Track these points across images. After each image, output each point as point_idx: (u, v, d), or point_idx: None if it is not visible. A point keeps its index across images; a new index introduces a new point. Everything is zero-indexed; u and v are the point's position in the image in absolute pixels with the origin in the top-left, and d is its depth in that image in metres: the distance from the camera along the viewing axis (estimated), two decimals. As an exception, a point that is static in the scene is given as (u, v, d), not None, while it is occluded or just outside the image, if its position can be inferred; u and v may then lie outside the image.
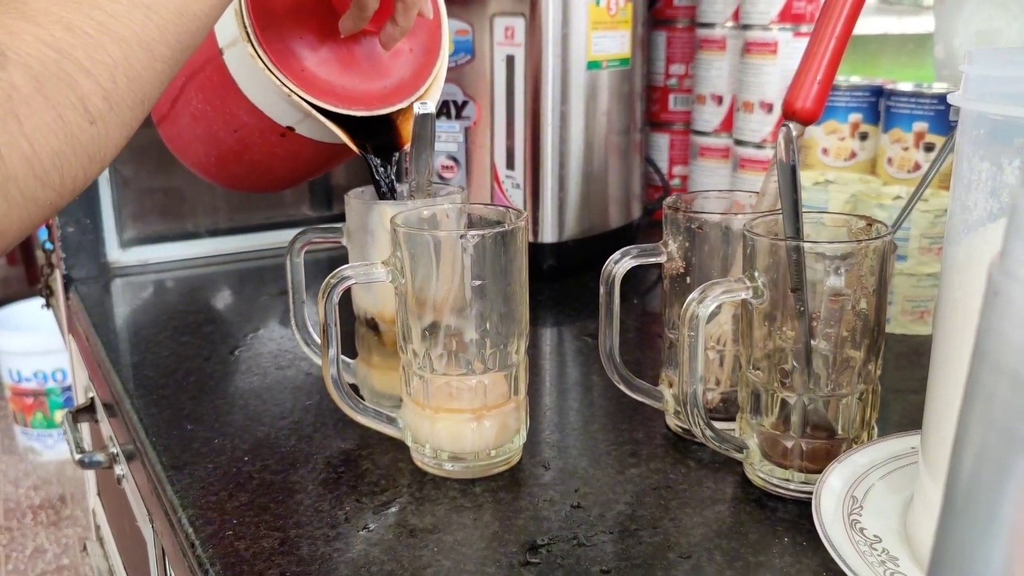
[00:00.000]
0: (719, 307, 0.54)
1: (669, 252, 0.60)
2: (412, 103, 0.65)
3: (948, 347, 0.42)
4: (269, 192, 1.04)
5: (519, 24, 0.88)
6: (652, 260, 0.59)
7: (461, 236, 0.53)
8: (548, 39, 0.88)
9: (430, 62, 0.67)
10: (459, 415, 0.55)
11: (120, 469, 0.76)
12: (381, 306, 0.61)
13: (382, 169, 0.63)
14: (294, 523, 0.52)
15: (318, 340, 0.66)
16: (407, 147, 0.63)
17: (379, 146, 0.64)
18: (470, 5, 0.90)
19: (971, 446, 0.25)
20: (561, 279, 0.94)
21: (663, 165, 1.15)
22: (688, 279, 0.59)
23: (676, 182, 1.15)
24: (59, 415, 2.61)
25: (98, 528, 1.03)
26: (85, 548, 1.03)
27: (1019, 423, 0.23)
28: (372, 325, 0.63)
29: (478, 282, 0.54)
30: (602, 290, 0.59)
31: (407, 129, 0.64)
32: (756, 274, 0.52)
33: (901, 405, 0.68)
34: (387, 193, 0.64)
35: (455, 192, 0.63)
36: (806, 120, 0.59)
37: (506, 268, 0.54)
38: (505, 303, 0.55)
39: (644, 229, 1.07)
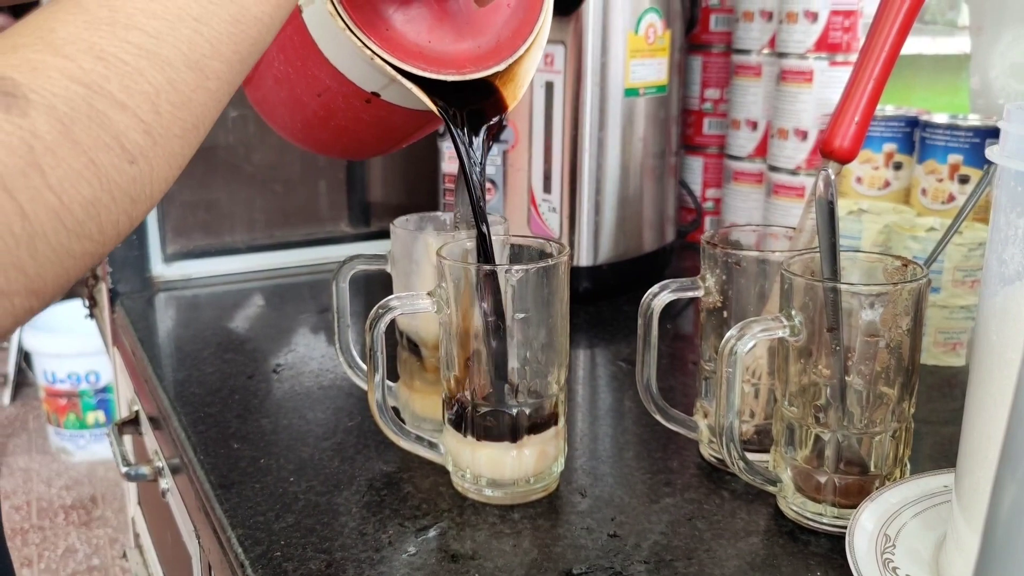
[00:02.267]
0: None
1: (707, 287, 0.61)
2: (511, 64, 0.58)
3: (983, 393, 0.44)
4: (361, 159, 0.97)
5: (559, 51, 0.90)
6: (690, 294, 0.61)
7: (506, 271, 0.54)
8: (587, 67, 0.89)
9: (531, 17, 0.59)
10: (500, 443, 0.57)
11: (165, 483, 0.78)
12: (424, 333, 0.63)
13: (471, 148, 0.56)
14: (339, 545, 0.54)
15: (361, 363, 0.67)
16: (508, 112, 0.57)
17: (474, 113, 0.57)
18: (511, 32, 0.92)
19: (1007, 502, 0.26)
20: (596, 302, 0.95)
21: (696, 188, 1.16)
22: (725, 313, 0.61)
23: (709, 205, 1.16)
24: (91, 416, 2.66)
25: (137, 536, 1.06)
26: (125, 555, 1.06)
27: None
28: (415, 350, 0.64)
29: (522, 315, 0.55)
30: (640, 322, 0.61)
31: (509, 93, 0.58)
32: (793, 312, 0.53)
33: (933, 437, 0.69)
34: (472, 179, 0.56)
35: (498, 222, 0.64)
36: (844, 159, 0.60)
37: (548, 300, 0.56)
38: (547, 334, 0.57)
39: (678, 251, 1.09)
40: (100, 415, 2.66)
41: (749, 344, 0.53)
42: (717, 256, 0.61)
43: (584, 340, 0.88)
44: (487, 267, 0.55)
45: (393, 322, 0.65)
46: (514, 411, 0.56)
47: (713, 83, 1.13)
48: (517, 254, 0.61)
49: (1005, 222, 0.40)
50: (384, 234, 1.13)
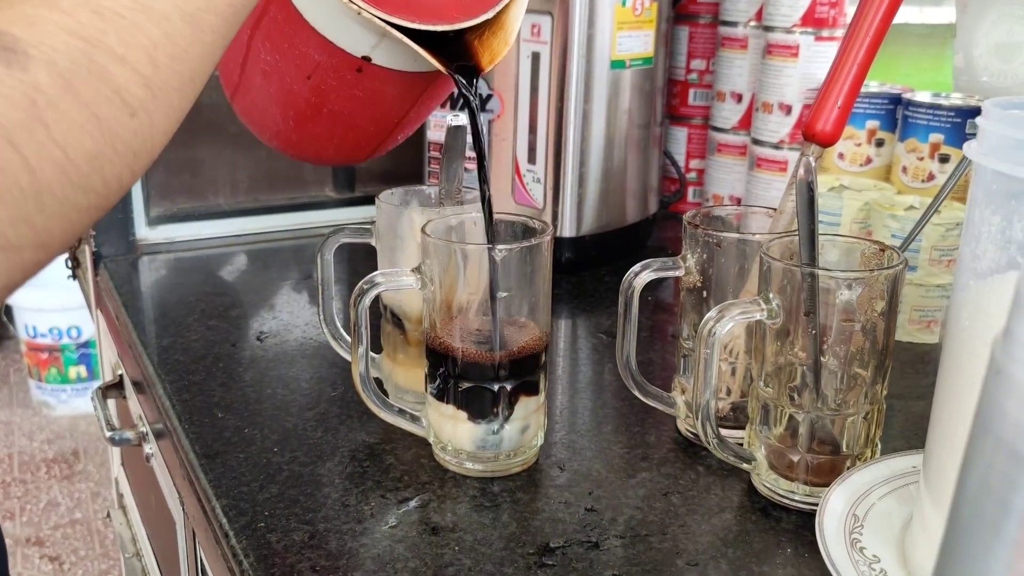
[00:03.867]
0: (734, 323, 0.56)
1: (687, 267, 0.62)
2: (498, 13, 0.57)
3: (953, 382, 0.45)
4: (356, 159, 0.97)
5: (546, 22, 0.90)
6: (671, 274, 0.62)
7: (490, 249, 0.55)
8: (574, 39, 0.89)
9: None
10: (481, 418, 0.58)
11: (149, 448, 0.79)
12: (407, 307, 0.64)
13: (469, 89, 0.56)
14: (322, 517, 0.55)
15: (345, 335, 0.68)
16: (487, 71, 0.57)
17: (460, 69, 0.57)
18: None
19: (967, 505, 0.27)
20: (578, 272, 0.96)
21: (680, 158, 1.16)
22: (704, 293, 0.62)
23: (692, 175, 1.17)
24: (73, 371, 2.66)
25: (121, 496, 1.07)
26: (108, 516, 1.07)
27: (1012, 492, 0.25)
28: (398, 323, 0.65)
29: (505, 293, 0.56)
30: (621, 300, 0.62)
31: (486, 51, 0.58)
32: (771, 296, 0.54)
33: (905, 412, 0.70)
34: (475, 112, 0.56)
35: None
36: (826, 143, 0.61)
37: (531, 279, 0.57)
38: (530, 313, 0.57)
39: (660, 221, 1.09)
40: (82, 370, 2.66)
41: (727, 326, 0.54)
42: (698, 236, 0.62)
43: (565, 311, 0.89)
44: (471, 246, 0.55)
45: (377, 296, 0.66)
46: (495, 387, 0.57)
47: (699, 54, 1.13)
48: (501, 231, 0.62)
49: (979, 218, 0.41)
50: (368, 200, 1.13)
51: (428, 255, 0.57)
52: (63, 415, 2.68)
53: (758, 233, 0.61)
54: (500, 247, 0.55)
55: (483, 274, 0.56)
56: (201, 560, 0.67)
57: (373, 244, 0.65)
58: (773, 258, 0.54)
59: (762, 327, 0.56)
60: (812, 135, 0.61)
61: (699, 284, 0.62)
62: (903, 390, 0.74)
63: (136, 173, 0.36)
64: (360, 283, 0.57)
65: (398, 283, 0.57)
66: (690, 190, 1.17)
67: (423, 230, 0.57)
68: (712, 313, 0.54)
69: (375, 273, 0.57)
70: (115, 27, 0.34)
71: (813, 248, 0.53)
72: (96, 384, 2.67)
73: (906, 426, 0.69)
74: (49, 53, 0.32)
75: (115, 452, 1.09)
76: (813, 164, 0.52)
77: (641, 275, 0.61)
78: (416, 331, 0.64)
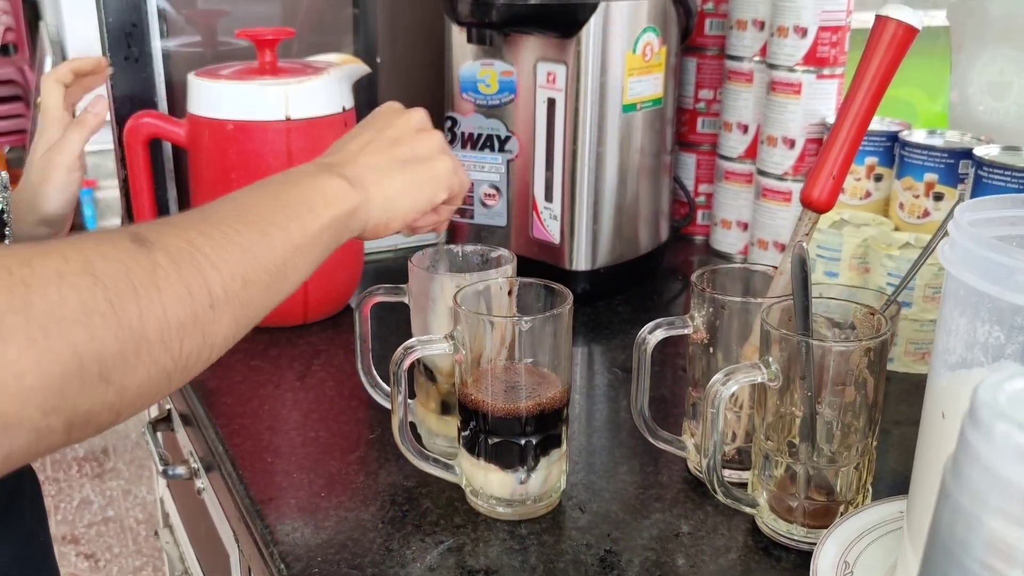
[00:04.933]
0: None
1: (695, 325, 0.67)
2: None
3: (930, 445, 0.51)
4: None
5: (560, 71, 0.95)
6: (681, 332, 0.68)
7: (515, 322, 0.61)
8: (587, 86, 0.94)
9: None
10: (509, 469, 0.64)
11: (200, 483, 0.86)
12: (439, 363, 0.70)
13: None
14: (369, 562, 0.61)
15: (382, 384, 0.74)
16: None
17: None
18: (516, 49, 0.97)
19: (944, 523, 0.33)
20: (592, 303, 1.02)
21: (690, 183, 1.22)
22: (712, 349, 0.68)
23: (701, 199, 1.22)
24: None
25: (167, 516, 1.14)
26: (156, 534, 1.14)
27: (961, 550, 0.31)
28: (430, 376, 0.71)
29: (530, 360, 0.62)
30: (635, 355, 0.68)
31: None
32: (770, 360, 0.60)
33: (901, 436, 0.77)
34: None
35: (507, 260, 0.71)
36: (821, 210, 0.67)
37: (554, 344, 0.63)
38: (552, 371, 0.63)
39: (670, 244, 1.15)
40: (109, 369, 2.73)
41: (732, 388, 0.60)
42: (705, 297, 0.67)
43: (581, 342, 0.95)
44: (499, 318, 0.61)
45: (411, 350, 0.72)
46: (522, 441, 0.63)
47: (707, 84, 1.18)
48: (523, 294, 0.67)
49: (949, 316, 0.46)
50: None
51: (459, 322, 0.63)
52: (92, 413, 2.76)
53: (759, 298, 0.67)
54: (525, 319, 0.61)
55: (509, 339, 0.62)
56: (257, 595, 0.74)
57: (407, 303, 0.71)
58: (772, 327, 0.60)
59: (764, 386, 0.62)
60: (809, 203, 0.67)
61: (706, 340, 0.68)
62: (898, 415, 0.80)
63: (200, 357, 0.45)
64: (399, 349, 0.63)
65: (433, 349, 0.63)
66: (699, 213, 1.22)
67: (455, 299, 0.63)
68: (719, 376, 0.60)
69: (412, 340, 0.63)
70: (211, 244, 0.46)
71: (807, 319, 0.59)
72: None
73: (901, 445, 0.75)
74: (166, 246, 0.44)
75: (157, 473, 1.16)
76: (806, 247, 0.58)
77: (655, 333, 0.67)
78: (447, 383, 0.70)
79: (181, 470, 0.87)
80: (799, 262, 0.58)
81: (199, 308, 0.44)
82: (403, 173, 0.61)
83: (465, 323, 0.62)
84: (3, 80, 3.24)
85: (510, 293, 0.67)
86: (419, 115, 0.65)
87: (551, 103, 0.97)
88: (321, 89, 0.89)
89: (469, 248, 0.73)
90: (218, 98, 0.88)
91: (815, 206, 0.67)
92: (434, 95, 1.06)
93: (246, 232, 0.49)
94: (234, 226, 0.48)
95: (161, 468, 0.87)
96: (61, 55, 2.96)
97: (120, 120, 0.99)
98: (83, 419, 0.40)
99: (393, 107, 0.66)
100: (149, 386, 0.42)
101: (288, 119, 0.87)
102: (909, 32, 0.63)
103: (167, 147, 1.05)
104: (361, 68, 0.97)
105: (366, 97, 1.16)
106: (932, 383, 0.50)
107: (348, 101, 0.93)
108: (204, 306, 0.44)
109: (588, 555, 0.62)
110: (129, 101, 1.02)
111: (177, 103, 1.05)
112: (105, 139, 1.03)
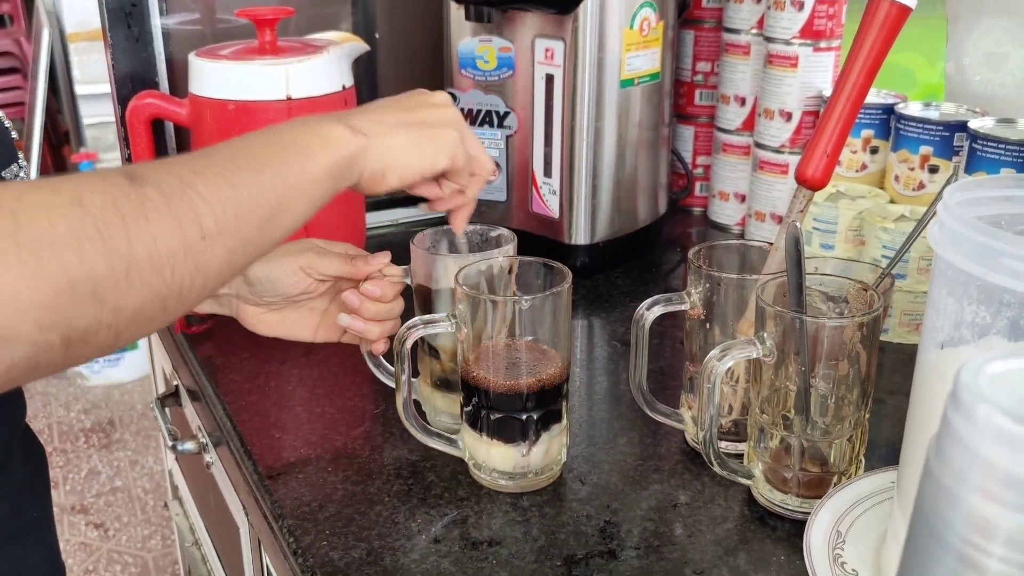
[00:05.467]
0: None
1: (692, 301, 0.69)
2: None
3: (920, 416, 0.52)
4: None
5: (558, 47, 0.96)
6: (678, 308, 0.69)
7: (516, 301, 0.62)
8: (585, 63, 0.95)
9: None
10: (511, 443, 0.66)
11: (209, 457, 0.88)
12: (442, 341, 0.71)
13: None
14: (376, 534, 0.63)
15: (386, 364, 0.76)
16: None
17: None
18: (514, 25, 0.97)
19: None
20: (592, 276, 1.03)
21: (687, 155, 1.23)
22: (708, 324, 0.69)
23: (699, 171, 1.23)
24: (105, 343, 2.75)
25: (176, 488, 1.16)
26: (166, 506, 1.16)
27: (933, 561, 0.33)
28: (434, 354, 0.73)
29: (530, 337, 0.63)
30: (633, 331, 0.69)
31: None
32: (765, 336, 0.62)
33: (895, 406, 0.79)
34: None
35: (507, 241, 0.72)
36: (815, 187, 0.68)
37: (553, 322, 0.64)
38: (552, 348, 0.65)
39: (668, 216, 1.16)
40: (113, 341, 2.75)
41: (728, 364, 0.61)
42: (702, 273, 0.69)
43: (581, 315, 0.96)
44: (500, 298, 0.63)
45: (414, 327, 0.74)
46: (523, 416, 0.65)
47: (704, 56, 1.19)
48: (522, 272, 0.69)
49: (938, 295, 0.48)
50: (398, 202, 1.19)
51: (461, 302, 0.64)
52: (97, 385, 2.79)
53: (755, 274, 0.68)
54: (525, 298, 0.62)
55: (509, 317, 0.64)
56: (267, 567, 0.76)
57: (409, 284, 0.73)
58: (767, 303, 0.61)
59: (759, 361, 0.64)
60: (803, 180, 0.68)
61: (703, 316, 0.69)
62: (893, 384, 0.82)
63: (194, 286, 0.47)
64: (401, 328, 0.65)
65: (435, 328, 0.65)
66: (697, 185, 1.23)
67: (457, 279, 0.64)
68: (715, 352, 0.62)
69: (415, 319, 0.65)
70: (203, 181, 0.48)
71: (801, 296, 0.60)
72: (128, 355, 2.72)
73: (895, 413, 0.77)
74: (157, 181, 0.46)
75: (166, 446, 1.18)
76: (799, 226, 0.59)
77: (652, 310, 0.68)
78: (450, 361, 0.72)
79: (190, 445, 0.89)
80: (792, 241, 0.60)
81: (190, 239, 0.46)
82: (407, 131, 0.62)
83: (467, 303, 0.64)
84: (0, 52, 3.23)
85: (510, 272, 0.69)
86: (442, 95, 0.67)
87: (549, 79, 0.97)
88: (321, 68, 0.90)
89: (469, 228, 0.74)
90: (219, 79, 0.89)
91: (809, 184, 0.68)
92: (433, 71, 1.07)
93: (239, 171, 0.50)
94: (228, 166, 0.50)
95: (171, 443, 0.89)
96: (58, 28, 2.94)
97: (121, 100, 1.00)
98: (80, 336, 0.43)
99: (422, 91, 0.68)
100: (144, 309, 0.45)
101: (289, 99, 0.88)
102: (903, 11, 0.64)
103: (170, 126, 1.05)
104: (360, 46, 0.97)
105: (366, 73, 1.16)
106: (921, 360, 0.51)
107: (348, 79, 0.94)
108: (195, 237, 0.46)
109: (588, 525, 0.64)
110: (130, 80, 1.03)
111: (178, 81, 1.06)
112: (106, 112, 1.03)
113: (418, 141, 0.63)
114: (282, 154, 0.54)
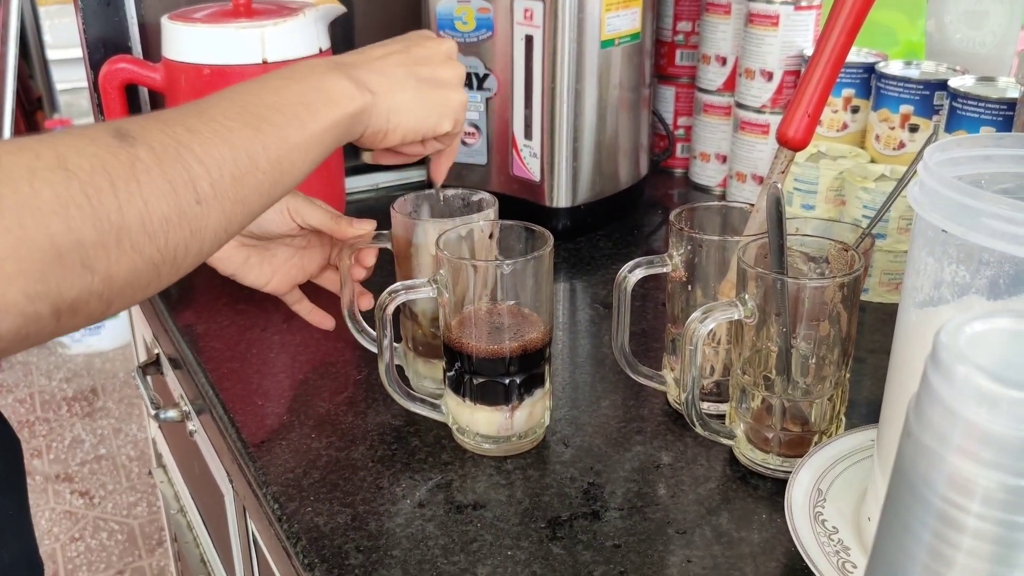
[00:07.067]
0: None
1: (674, 263, 0.69)
2: None
3: (900, 375, 0.53)
4: None
5: (538, 7, 0.94)
6: (659, 270, 0.69)
7: (497, 265, 0.62)
8: (564, 23, 0.94)
9: None
10: (494, 406, 0.66)
11: (192, 425, 0.87)
12: (423, 306, 0.71)
13: None
14: (361, 499, 0.63)
15: (368, 329, 0.75)
16: None
17: None
18: (492, -15, 0.96)
19: (890, 538, 0.35)
20: (574, 239, 1.03)
21: (668, 116, 1.22)
22: (690, 286, 0.69)
23: (681, 132, 1.22)
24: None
25: (160, 456, 1.16)
26: (151, 473, 1.16)
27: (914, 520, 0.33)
28: (414, 318, 0.72)
29: (512, 301, 0.63)
30: (615, 294, 0.69)
31: None
32: (746, 297, 0.62)
33: (874, 365, 0.79)
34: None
35: (489, 206, 0.71)
36: (796, 147, 0.68)
37: (535, 286, 0.64)
38: (534, 312, 0.65)
39: (650, 178, 1.15)
40: (93, 309, 2.74)
41: (710, 326, 0.61)
42: (684, 235, 0.68)
43: (564, 278, 0.96)
44: (480, 262, 0.62)
45: (396, 293, 0.73)
46: (506, 380, 0.65)
47: (685, 16, 1.18)
48: (504, 236, 0.68)
49: (918, 256, 0.48)
50: (378, 167, 1.18)
51: (442, 266, 0.64)
52: (78, 353, 2.77)
53: (736, 235, 0.68)
54: (507, 263, 0.62)
55: (491, 282, 0.63)
56: (253, 533, 0.76)
57: (390, 249, 0.72)
58: (748, 265, 0.61)
59: (740, 322, 0.64)
60: (784, 140, 0.68)
61: (685, 278, 0.69)
62: (872, 343, 0.83)
63: (189, 251, 0.46)
64: (383, 293, 0.65)
65: (417, 293, 0.64)
66: (679, 147, 1.23)
67: (437, 245, 0.64)
68: (696, 315, 0.62)
69: (397, 285, 0.65)
70: (199, 140, 0.46)
71: (782, 257, 0.60)
72: (109, 323, 2.71)
73: (875, 371, 0.77)
74: (150, 141, 0.44)
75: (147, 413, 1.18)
76: (780, 188, 0.59)
77: (635, 272, 0.68)
78: (432, 327, 0.72)
79: (172, 413, 0.89)
80: (774, 201, 0.59)
81: (184, 203, 0.44)
82: (416, 90, 0.61)
83: (448, 267, 0.63)
84: (-31, 17, 3.17)
85: (491, 236, 0.68)
86: (451, 44, 0.65)
87: (529, 40, 0.96)
88: (298, 31, 0.89)
89: (451, 192, 0.74)
90: (193, 42, 0.87)
91: (790, 144, 0.68)
92: (411, 33, 1.05)
93: (238, 129, 0.48)
94: (226, 123, 0.47)
95: (153, 412, 0.89)
96: (28, -8, 2.89)
97: (94, 65, 0.98)
98: (70, 306, 0.41)
99: (426, 32, 0.66)
100: (136, 276, 0.43)
101: (265, 62, 0.87)
102: (883, -32, 0.63)
103: (144, 91, 1.04)
104: (337, 8, 0.96)
105: (343, 34, 1.14)
106: (901, 319, 0.52)
107: (325, 42, 0.93)
108: (190, 202, 0.44)
109: (572, 488, 0.64)
110: (102, 45, 1.01)
111: (151, 46, 1.04)
112: (78, 77, 1.02)
113: (426, 103, 0.61)
114: (284, 110, 0.51)
